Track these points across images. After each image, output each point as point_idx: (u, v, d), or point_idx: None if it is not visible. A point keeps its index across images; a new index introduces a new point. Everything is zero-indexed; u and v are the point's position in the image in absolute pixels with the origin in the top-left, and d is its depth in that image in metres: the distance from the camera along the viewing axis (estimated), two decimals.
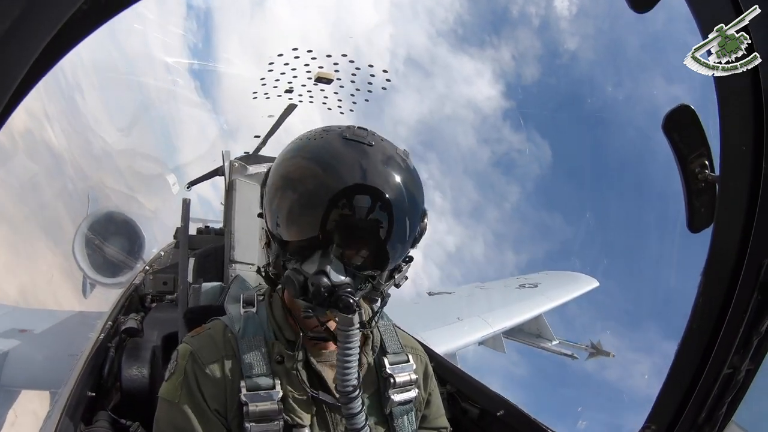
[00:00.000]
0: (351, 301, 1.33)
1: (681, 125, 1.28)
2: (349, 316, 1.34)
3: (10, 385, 6.32)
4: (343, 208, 1.37)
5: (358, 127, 1.48)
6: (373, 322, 1.70)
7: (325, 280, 1.34)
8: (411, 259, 1.55)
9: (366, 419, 1.44)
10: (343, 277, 1.36)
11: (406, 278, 1.57)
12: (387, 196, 1.39)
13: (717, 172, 1.27)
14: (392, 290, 1.56)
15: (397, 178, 1.42)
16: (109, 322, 3.82)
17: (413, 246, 1.52)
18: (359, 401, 1.41)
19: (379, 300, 1.54)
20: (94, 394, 2.72)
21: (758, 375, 1.30)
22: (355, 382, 1.39)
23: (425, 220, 1.52)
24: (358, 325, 1.36)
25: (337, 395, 1.46)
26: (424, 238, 1.57)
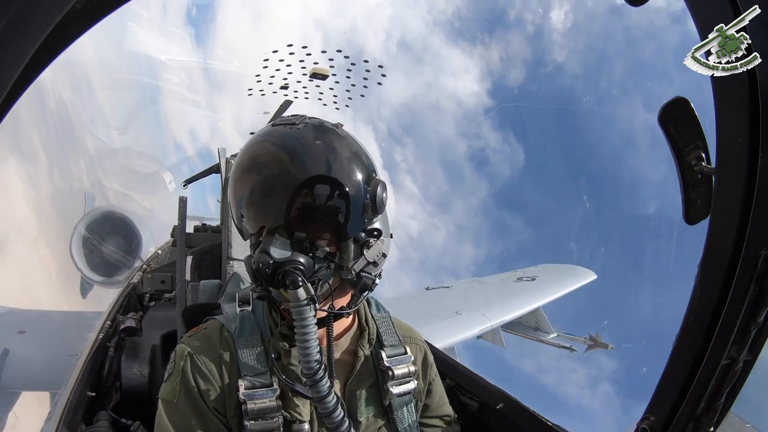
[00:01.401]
0: (296, 277, 1.34)
1: (677, 118, 1.28)
2: (294, 290, 1.34)
3: (9, 386, 6.32)
4: (266, 189, 1.41)
5: (293, 115, 1.52)
6: (367, 312, 1.71)
7: (266, 257, 1.36)
8: (379, 233, 1.53)
9: (337, 400, 1.43)
10: (287, 253, 1.37)
11: (384, 255, 1.54)
12: (303, 165, 1.40)
13: (713, 165, 1.27)
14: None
15: (322, 149, 1.43)
16: (108, 322, 3.82)
17: (366, 213, 1.48)
18: (326, 381, 1.40)
19: (360, 283, 1.50)
20: (94, 394, 2.72)
21: (756, 366, 1.30)
22: (317, 357, 1.37)
23: (374, 186, 1.48)
24: (306, 300, 1.35)
25: (304, 379, 1.44)
26: (390, 218, 1.56)
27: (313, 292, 1.37)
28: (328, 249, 1.44)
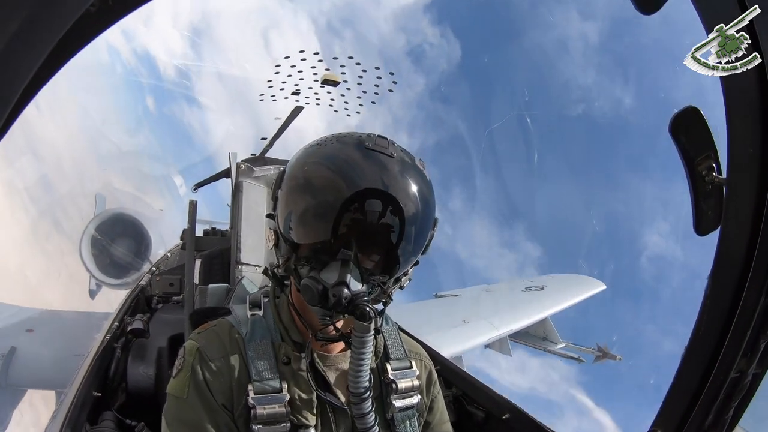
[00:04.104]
0: (368, 309, 1.35)
1: (688, 127, 1.27)
2: (366, 324, 1.36)
3: (16, 384, 6.37)
4: (361, 216, 1.38)
5: (379, 136, 1.48)
6: (379, 324, 1.71)
7: (346, 291, 1.35)
8: (417, 263, 1.56)
9: (375, 419, 1.47)
10: (359, 285, 1.37)
11: (410, 280, 1.58)
12: (405, 205, 1.40)
13: (724, 175, 1.26)
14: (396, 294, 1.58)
15: (415, 188, 1.43)
16: (116, 323, 3.85)
17: (423, 252, 1.53)
18: (369, 402, 1.44)
19: (383, 302, 1.55)
20: (99, 394, 2.73)
21: (766, 379, 1.29)
22: (366, 383, 1.42)
23: (435, 228, 1.53)
24: (373, 332, 1.38)
25: (349, 396, 1.48)
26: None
27: (379, 324, 1.42)
28: (382, 277, 1.47)
